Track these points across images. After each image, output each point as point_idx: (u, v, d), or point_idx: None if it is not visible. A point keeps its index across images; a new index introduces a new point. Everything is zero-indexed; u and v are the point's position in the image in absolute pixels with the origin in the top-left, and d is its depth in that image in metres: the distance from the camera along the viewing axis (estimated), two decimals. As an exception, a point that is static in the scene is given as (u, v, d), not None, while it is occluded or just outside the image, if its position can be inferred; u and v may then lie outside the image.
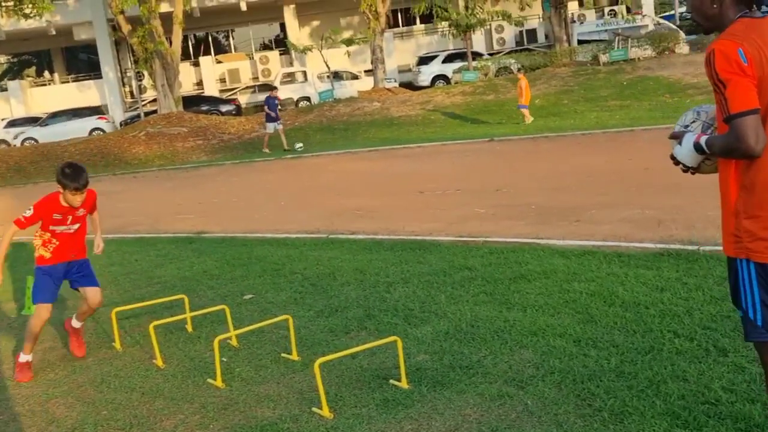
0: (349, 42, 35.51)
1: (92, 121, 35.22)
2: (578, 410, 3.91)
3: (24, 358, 5.48)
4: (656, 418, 3.70)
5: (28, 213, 5.34)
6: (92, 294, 5.72)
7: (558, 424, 3.79)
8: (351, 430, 4.01)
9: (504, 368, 4.56)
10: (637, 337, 4.78)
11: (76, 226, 5.59)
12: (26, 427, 4.58)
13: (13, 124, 35.96)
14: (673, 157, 3.02)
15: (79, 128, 33.46)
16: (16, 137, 34.89)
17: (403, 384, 4.47)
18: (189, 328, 6.15)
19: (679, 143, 2.94)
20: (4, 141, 34.65)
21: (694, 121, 3.01)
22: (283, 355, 5.26)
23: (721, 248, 6.30)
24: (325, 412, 4.21)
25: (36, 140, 33.36)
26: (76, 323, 5.88)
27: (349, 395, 4.45)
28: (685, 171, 3.04)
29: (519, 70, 24.54)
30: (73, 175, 5.28)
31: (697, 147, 2.84)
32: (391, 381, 4.56)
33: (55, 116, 35.88)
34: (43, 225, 5.44)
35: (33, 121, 36.20)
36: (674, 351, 4.49)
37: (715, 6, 2.78)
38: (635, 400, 3.93)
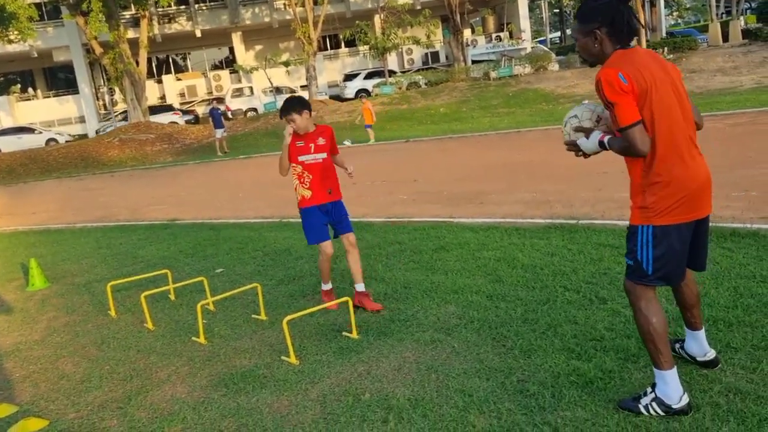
0: (287, 63, 35.10)
1: (168, 116, 34.00)
2: (495, 349, 4.01)
3: (325, 287, 5.35)
4: (556, 353, 3.82)
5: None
6: (347, 240, 5.13)
7: (480, 361, 3.87)
8: (315, 373, 4.02)
9: (433, 320, 4.63)
10: (536, 292, 4.91)
11: (322, 155, 5.05)
12: (40, 382, 4.44)
13: (3, 132, 34.30)
14: (571, 144, 3.13)
15: (159, 121, 32.00)
16: (104, 130, 33.96)
17: (354, 335, 4.50)
18: (172, 297, 6.03)
19: (586, 137, 3.05)
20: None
21: (589, 119, 3.11)
22: (253, 316, 5.22)
23: (594, 221, 6.53)
24: (293, 359, 4.21)
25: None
26: (360, 287, 5.16)
27: (311, 345, 4.46)
28: (577, 155, 3.16)
29: (361, 96, 22.51)
30: (281, 107, 4.98)
31: (601, 144, 2.99)
32: (344, 333, 4.58)
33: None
34: (292, 157, 5.00)
35: (21, 130, 34.62)
36: (565, 301, 4.64)
37: (596, 45, 2.97)
38: (539, 339, 4.04)
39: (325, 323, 4.84)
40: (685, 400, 2.97)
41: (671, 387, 2.95)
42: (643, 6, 32.88)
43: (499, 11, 43.33)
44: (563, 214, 7.34)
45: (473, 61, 37.20)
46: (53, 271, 7.81)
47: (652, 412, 2.99)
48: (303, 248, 7.24)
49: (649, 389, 3.05)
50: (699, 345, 3.36)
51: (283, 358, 4.28)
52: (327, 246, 5.08)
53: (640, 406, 3.02)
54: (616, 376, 3.45)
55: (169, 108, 36.45)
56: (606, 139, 2.96)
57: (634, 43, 3.06)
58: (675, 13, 74.82)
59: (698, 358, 3.37)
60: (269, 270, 6.58)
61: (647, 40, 32.10)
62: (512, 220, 7.45)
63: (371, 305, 5.02)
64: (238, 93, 36.86)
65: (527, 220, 7.30)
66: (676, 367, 3.01)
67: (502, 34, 40.38)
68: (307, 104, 5.04)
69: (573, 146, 3.12)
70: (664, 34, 38.49)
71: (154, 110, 34.97)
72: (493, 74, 31.81)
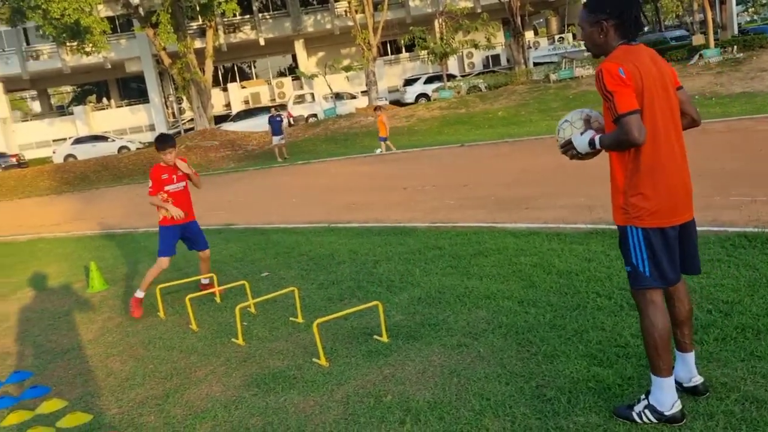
0: (347, 68, 35.53)
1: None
2: (518, 354, 4.04)
3: (139, 294, 6.19)
4: (578, 359, 3.83)
5: (150, 183, 6.14)
6: (203, 255, 6.49)
7: (502, 365, 3.92)
8: (342, 374, 4.14)
9: (462, 324, 4.68)
10: (568, 298, 4.90)
11: (182, 184, 6.27)
12: (89, 379, 4.71)
13: (79, 141, 35.85)
14: (566, 144, 3.12)
15: (262, 123, 32.39)
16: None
17: (384, 338, 4.60)
18: (218, 299, 6.27)
19: (581, 134, 3.07)
20: (72, 155, 34.51)
21: (579, 119, 3.14)
22: (291, 318, 5.39)
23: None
24: (323, 361, 4.35)
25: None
26: (205, 281, 6.64)
27: (342, 348, 4.58)
28: (572, 157, 3.16)
29: (376, 108, 22.83)
30: (159, 141, 6.20)
31: (591, 143, 2.99)
32: (375, 336, 4.68)
33: (242, 114, 35.94)
34: (159, 186, 6.13)
35: (96, 138, 36.09)
36: (596, 307, 4.61)
37: (601, 37, 2.97)
38: (563, 345, 4.06)
39: (358, 326, 4.96)
40: (678, 407, 2.96)
41: (666, 394, 2.95)
42: (712, 4, 31.81)
43: (561, 12, 42.76)
44: (606, 219, 7.24)
45: (535, 64, 36.80)
46: (113, 273, 8.21)
47: (645, 419, 3.00)
48: (345, 253, 7.39)
49: (642, 396, 3.05)
50: (687, 369, 3.18)
51: (314, 360, 4.42)
52: (165, 261, 6.21)
53: (633, 414, 3.03)
54: (634, 382, 3.45)
55: (267, 110, 35.80)
56: (597, 138, 2.96)
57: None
58: (751, 10, 72.13)
59: (684, 384, 3.18)
60: (312, 274, 6.75)
61: (716, 39, 31.05)
62: (555, 225, 7.40)
63: (210, 289, 6.34)
64: (300, 99, 37.50)
65: (569, 226, 7.25)
66: (673, 375, 3.02)
67: (564, 36, 39.82)
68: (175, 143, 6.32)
69: (568, 145, 3.12)
70: (735, 32, 37.17)
71: (252, 113, 35.21)
72: (553, 77, 31.34)
